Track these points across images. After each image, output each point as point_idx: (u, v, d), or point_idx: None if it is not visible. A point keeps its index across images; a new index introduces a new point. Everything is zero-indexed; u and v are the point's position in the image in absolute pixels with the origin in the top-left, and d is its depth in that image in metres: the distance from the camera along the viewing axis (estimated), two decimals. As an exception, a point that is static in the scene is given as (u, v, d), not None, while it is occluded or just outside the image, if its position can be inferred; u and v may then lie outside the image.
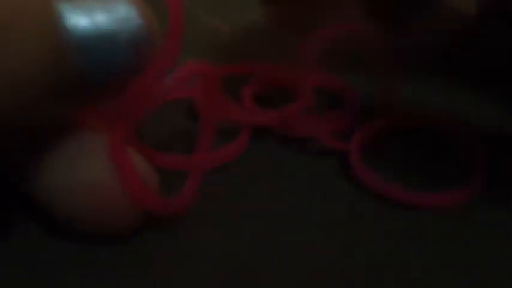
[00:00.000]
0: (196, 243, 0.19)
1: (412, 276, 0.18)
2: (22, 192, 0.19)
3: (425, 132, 0.24)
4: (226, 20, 0.31)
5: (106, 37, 0.17)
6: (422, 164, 0.22)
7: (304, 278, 0.18)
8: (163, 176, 0.20)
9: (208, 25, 0.31)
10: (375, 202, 0.21)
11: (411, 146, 0.23)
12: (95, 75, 0.17)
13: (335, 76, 0.26)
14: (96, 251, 0.18)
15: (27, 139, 0.18)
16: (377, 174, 0.21)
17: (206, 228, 0.20)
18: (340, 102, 0.25)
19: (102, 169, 0.17)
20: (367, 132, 0.23)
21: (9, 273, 0.18)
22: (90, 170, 0.17)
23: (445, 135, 0.23)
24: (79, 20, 0.17)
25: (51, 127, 0.18)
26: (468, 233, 0.20)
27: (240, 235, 0.20)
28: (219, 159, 0.22)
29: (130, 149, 0.18)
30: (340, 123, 0.24)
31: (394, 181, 0.21)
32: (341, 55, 0.26)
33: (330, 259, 0.19)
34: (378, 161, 0.22)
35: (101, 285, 0.18)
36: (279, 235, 0.20)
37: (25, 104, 0.16)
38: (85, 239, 0.18)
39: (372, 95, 0.25)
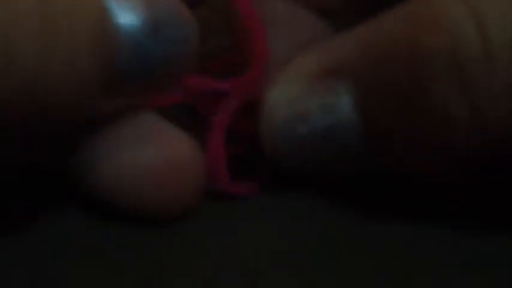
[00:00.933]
0: (199, 242, 0.19)
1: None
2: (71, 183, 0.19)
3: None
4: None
5: (149, 34, 0.18)
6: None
7: (303, 274, 0.18)
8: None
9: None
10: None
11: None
12: (138, 72, 0.18)
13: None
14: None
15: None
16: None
17: (208, 226, 0.20)
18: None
19: (188, 147, 0.19)
20: None
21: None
22: (174, 147, 0.19)
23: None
24: (126, 17, 0.18)
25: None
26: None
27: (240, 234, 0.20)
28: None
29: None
30: None
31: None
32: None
33: (331, 256, 0.19)
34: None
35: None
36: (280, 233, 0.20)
37: (73, 99, 0.17)
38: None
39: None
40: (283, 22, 0.22)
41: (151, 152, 0.19)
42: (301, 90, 0.20)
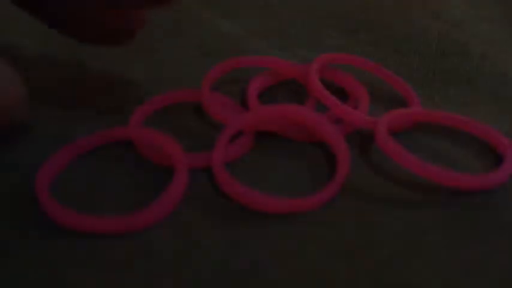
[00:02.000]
0: (198, 241, 0.20)
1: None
2: None
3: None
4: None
5: None
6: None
7: (302, 268, 0.19)
8: (162, 173, 0.22)
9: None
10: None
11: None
12: None
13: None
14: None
15: None
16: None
17: (207, 224, 0.20)
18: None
19: None
20: None
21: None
22: None
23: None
24: None
25: None
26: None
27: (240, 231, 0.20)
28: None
29: None
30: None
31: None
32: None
33: (328, 253, 0.19)
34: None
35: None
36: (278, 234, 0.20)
37: None
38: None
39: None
40: None
41: None
42: None
